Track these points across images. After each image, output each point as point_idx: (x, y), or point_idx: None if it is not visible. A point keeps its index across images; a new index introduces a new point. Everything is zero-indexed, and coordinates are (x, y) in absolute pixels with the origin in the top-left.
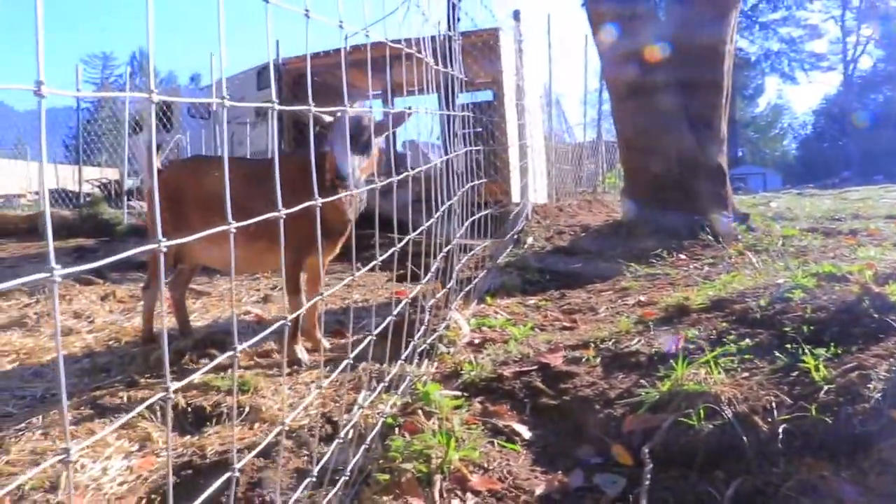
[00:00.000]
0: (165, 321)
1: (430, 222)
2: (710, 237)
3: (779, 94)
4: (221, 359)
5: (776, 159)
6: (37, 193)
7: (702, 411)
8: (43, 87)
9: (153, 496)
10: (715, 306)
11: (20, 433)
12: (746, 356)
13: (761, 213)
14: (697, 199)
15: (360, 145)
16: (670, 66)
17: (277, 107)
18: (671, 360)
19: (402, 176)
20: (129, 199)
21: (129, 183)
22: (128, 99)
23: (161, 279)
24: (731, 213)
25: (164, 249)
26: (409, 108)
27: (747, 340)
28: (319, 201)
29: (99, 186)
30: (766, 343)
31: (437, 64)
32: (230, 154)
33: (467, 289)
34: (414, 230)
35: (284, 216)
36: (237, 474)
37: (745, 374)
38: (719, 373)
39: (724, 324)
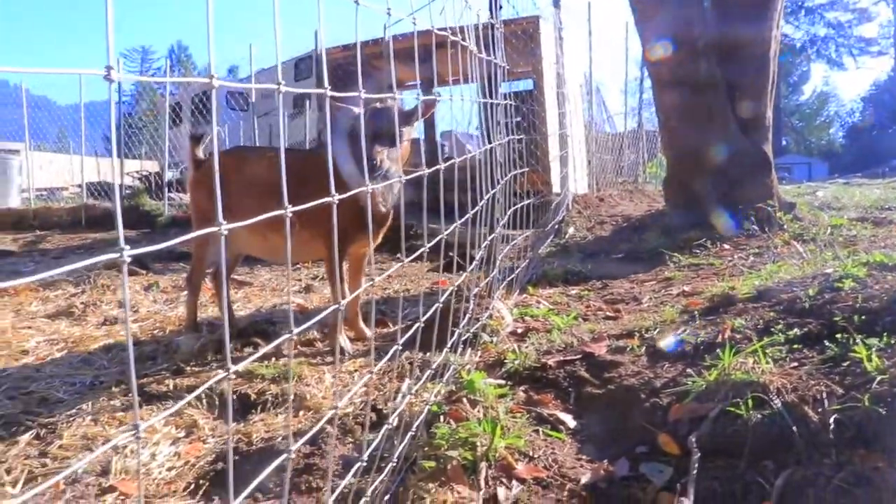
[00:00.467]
0: (225, 304)
1: (474, 210)
2: (754, 227)
3: (825, 81)
4: (277, 343)
5: (822, 148)
6: (79, 186)
7: (750, 401)
8: (112, 71)
9: (201, 482)
10: (761, 296)
11: (71, 419)
12: (795, 346)
13: (807, 202)
14: (742, 188)
15: (383, 137)
16: (714, 53)
17: (330, 93)
18: (717, 350)
19: (441, 166)
20: (169, 191)
21: (169, 175)
22: (168, 87)
23: (223, 263)
24: (776, 202)
25: (225, 232)
26: (439, 95)
27: (795, 330)
28: (370, 187)
29: (140, 179)
30: (816, 333)
31: (479, 52)
32: (268, 145)
33: (509, 278)
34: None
35: (324, 206)
36: (292, 455)
37: (794, 364)
38: (767, 362)
39: (772, 313)
